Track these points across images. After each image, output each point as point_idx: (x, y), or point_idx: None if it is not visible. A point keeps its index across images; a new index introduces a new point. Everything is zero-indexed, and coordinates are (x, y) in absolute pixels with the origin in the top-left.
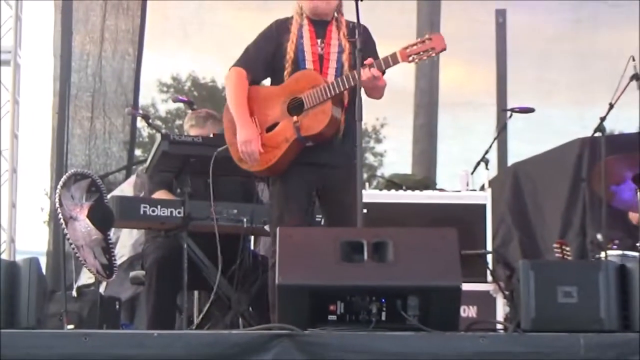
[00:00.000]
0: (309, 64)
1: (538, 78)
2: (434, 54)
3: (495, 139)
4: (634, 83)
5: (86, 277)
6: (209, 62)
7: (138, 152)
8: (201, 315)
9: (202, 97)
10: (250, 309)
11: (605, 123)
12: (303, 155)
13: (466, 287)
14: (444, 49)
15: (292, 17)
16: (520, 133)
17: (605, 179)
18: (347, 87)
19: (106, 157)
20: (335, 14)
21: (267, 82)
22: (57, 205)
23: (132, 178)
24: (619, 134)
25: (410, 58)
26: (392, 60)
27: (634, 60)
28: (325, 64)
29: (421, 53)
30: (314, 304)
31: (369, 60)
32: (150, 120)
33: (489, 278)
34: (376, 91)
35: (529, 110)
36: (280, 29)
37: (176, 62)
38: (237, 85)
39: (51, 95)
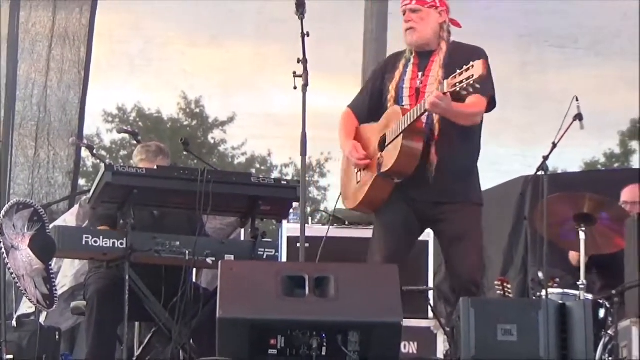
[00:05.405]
0: (405, 100)
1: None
2: (472, 81)
3: None
4: (577, 123)
5: (26, 307)
6: (154, 94)
7: (82, 182)
8: (142, 347)
9: (147, 128)
10: (192, 341)
11: (548, 162)
12: (397, 191)
13: (407, 323)
14: (482, 74)
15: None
16: None
17: (547, 217)
18: (417, 116)
19: (49, 187)
20: (440, 43)
21: None
22: None
23: (75, 208)
24: (561, 173)
25: (454, 85)
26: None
27: (577, 100)
28: (421, 97)
29: (463, 81)
30: (255, 337)
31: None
32: (94, 151)
33: (430, 314)
34: (452, 116)
35: None
36: (390, 63)
37: (122, 93)
38: (341, 123)
39: None
